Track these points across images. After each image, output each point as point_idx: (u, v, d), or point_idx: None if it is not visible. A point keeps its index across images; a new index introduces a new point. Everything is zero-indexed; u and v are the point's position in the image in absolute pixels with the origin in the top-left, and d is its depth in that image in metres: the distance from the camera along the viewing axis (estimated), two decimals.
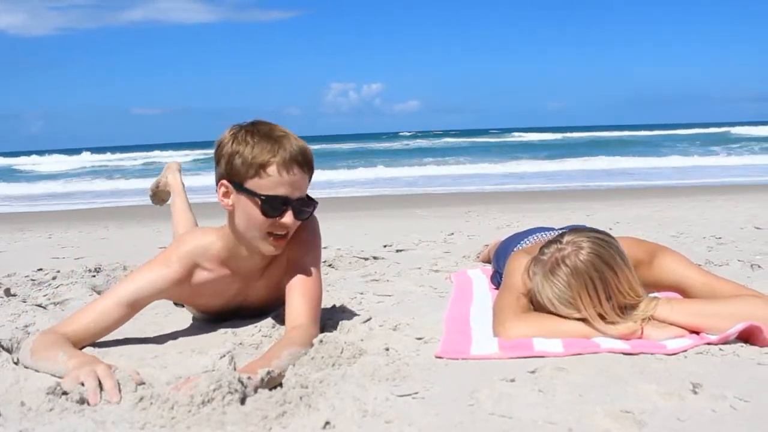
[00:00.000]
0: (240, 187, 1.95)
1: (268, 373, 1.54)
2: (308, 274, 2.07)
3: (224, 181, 1.98)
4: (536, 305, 2.04)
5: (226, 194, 1.99)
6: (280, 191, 1.93)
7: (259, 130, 1.95)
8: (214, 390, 1.38)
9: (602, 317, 1.90)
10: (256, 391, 1.46)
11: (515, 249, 2.72)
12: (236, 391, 1.40)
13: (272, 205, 1.94)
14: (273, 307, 2.29)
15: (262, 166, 1.91)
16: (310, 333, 1.90)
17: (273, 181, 1.92)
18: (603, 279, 1.89)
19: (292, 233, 2.05)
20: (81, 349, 1.93)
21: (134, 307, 2.03)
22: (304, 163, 1.95)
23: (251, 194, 1.93)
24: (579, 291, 1.89)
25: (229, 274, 2.13)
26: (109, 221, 7.69)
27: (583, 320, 1.91)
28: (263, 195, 1.92)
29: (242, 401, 1.40)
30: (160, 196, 3.61)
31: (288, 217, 1.96)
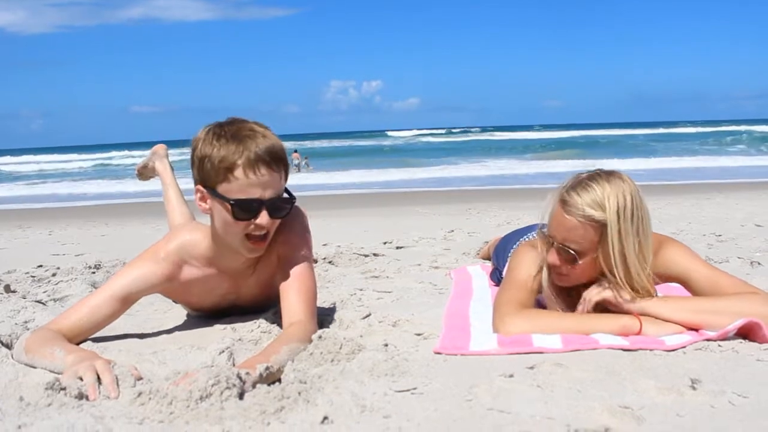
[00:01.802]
0: (213, 192, 1.91)
1: (267, 368, 1.54)
2: (302, 270, 2.05)
3: (199, 186, 1.95)
4: (541, 292, 2.05)
5: (202, 198, 1.96)
6: (251, 193, 1.89)
7: (226, 131, 1.89)
8: (213, 385, 1.38)
9: (611, 272, 1.91)
10: (254, 386, 1.47)
11: (515, 246, 2.71)
12: (234, 386, 1.40)
13: (243, 209, 1.90)
14: (268, 305, 2.28)
15: (229, 170, 1.86)
16: (308, 329, 1.89)
17: (241, 185, 1.87)
18: (636, 205, 1.90)
19: (273, 232, 2.01)
20: (77, 345, 1.93)
21: (126, 302, 2.03)
22: (272, 161, 1.89)
23: (223, 199, 1.90)
24: (610, 195, 1.89)
25: (216, 273, 2.12)
26: (109, 218, 7.69)
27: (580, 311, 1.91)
28: (233, 199, 1.89)
29: (240, 396, 1.40)
30: (146, 174, 3.55)
31: (263, 218, 1.92)
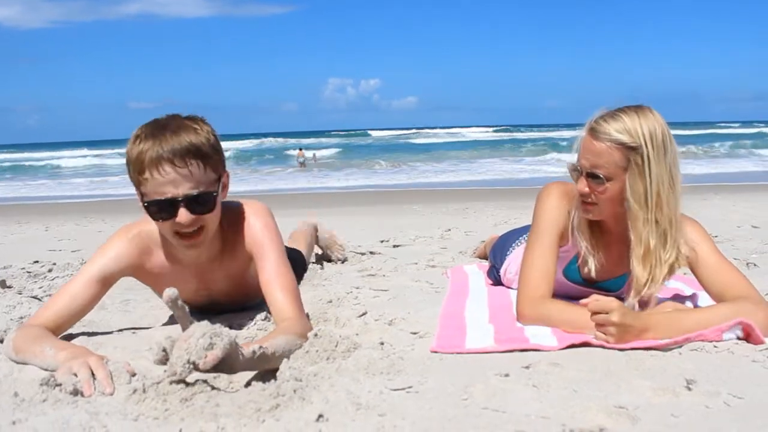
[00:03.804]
0: (140, 193, 1.91)
1: (261, 347, 1.53)
2: (279, 267, 2.03)
3: (136, 190, 1.94)
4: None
5: (141, 200, 1.94)
6: (162, 193, 1.86)
7: (142, 131, 1.88)
8: (211, 336, 1.38)
9: (643, 204, 1.91)
10: (247, 363, 1.47)
11: (514, 245, 2.71)
12: (230, 341, 1.40)
13: (159, 209, 1.89)
14: (249, 302, 2.28)
15: (140, 172, 1.86)
16: (304, 324, 1.90)
17: (152, 185, 1.86)
18: (666, 138, 1.92)
19: (212, 226, 1.98)
20: (61, 335, 1.93)
21: (105, 284, 2.02)
22: (177, 158, 1.83)
23: (141, 201, 1.91)
24: (642, 124, 1.90)
25: (181, 267, 2.12)
26: (105, 215, 7.68)
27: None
28: (146, 201, 1.89)
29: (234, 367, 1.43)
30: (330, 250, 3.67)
31: (182, 216, 1.88)
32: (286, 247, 3.00)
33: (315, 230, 3.59)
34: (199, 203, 1.91)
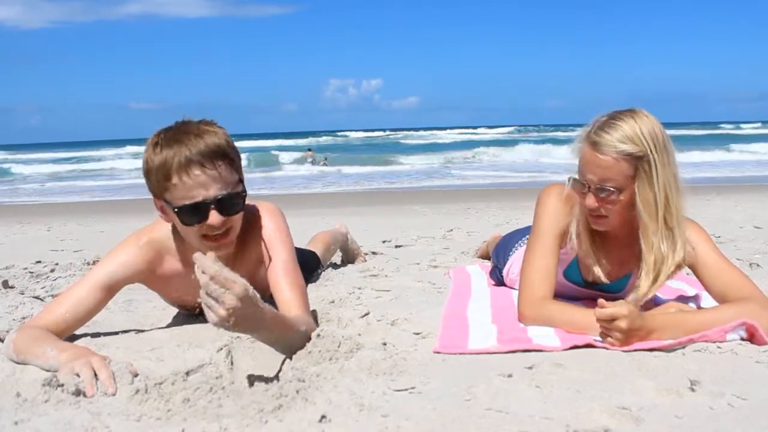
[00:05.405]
0: (165, 202, 1.90)
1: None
2: (288, 267, 2.03)
3: (155, 199, 1.93)
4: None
5: (162, 210, 1.94)
6: (193, 197, 1.84)
7: (162, 138, 1.87)
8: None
9: (652, 208, 1.90)
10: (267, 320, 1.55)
11: (517, 245, 2.71)
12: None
13: (189, 213, 1.87)
14: None
15: (166, 178, 1.84)
16: (310, 322, 1.90)
17: (181, 190, 1.84)
18: (665, 137, 1.91)
19: (238, 226, 1.98)
20: (65, 338, 1.91)
21: (111, 290, 2.02)
22: (205, 160, 1.83)
23: (170, 207, 1.89)
24: (642, 129, 1.88)
25: (190, 270, 2.11)
26: (108, 215, 7.69)
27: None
28: (176, 207, 1.87)
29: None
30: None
31: (213, 218, 1.87)
32: (302, 248, 3.01)
33: (344, 238, 3.64)
34: (230, 204, 1.90)
